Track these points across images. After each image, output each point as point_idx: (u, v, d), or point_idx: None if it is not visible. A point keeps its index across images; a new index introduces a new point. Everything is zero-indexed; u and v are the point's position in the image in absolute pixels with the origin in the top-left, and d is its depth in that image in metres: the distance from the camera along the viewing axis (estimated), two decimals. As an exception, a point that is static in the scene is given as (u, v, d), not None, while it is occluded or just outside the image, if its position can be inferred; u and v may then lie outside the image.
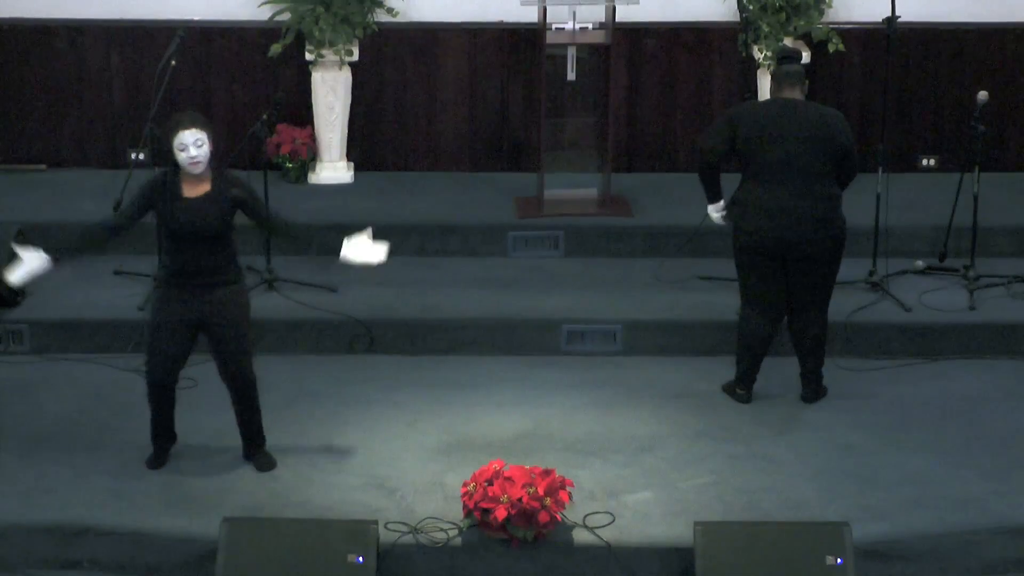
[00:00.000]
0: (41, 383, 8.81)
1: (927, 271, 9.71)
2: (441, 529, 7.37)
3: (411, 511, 7.52)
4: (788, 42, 10.34)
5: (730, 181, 8.46)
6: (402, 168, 10.95)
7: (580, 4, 10.06)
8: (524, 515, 7.20)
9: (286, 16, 10.59)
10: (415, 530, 7.36)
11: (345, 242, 7.73)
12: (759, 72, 10.57)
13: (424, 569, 7.31)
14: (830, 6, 10.61)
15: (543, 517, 7.20)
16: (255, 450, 7.94)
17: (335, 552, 7.16)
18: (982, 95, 9.31)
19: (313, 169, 10.72)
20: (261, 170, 9.39)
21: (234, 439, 8.04)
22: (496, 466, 7.31)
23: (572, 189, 10.38)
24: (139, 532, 7.41)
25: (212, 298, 7.59)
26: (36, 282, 9.37)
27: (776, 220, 8.22)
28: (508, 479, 7.23)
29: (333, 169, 10.74)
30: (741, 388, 8.62)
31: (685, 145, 10.91)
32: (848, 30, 10.70)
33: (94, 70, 10.80)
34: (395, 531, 7.33)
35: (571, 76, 10.24)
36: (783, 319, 8.52)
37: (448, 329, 9.21)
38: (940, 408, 8.57)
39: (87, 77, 10.80)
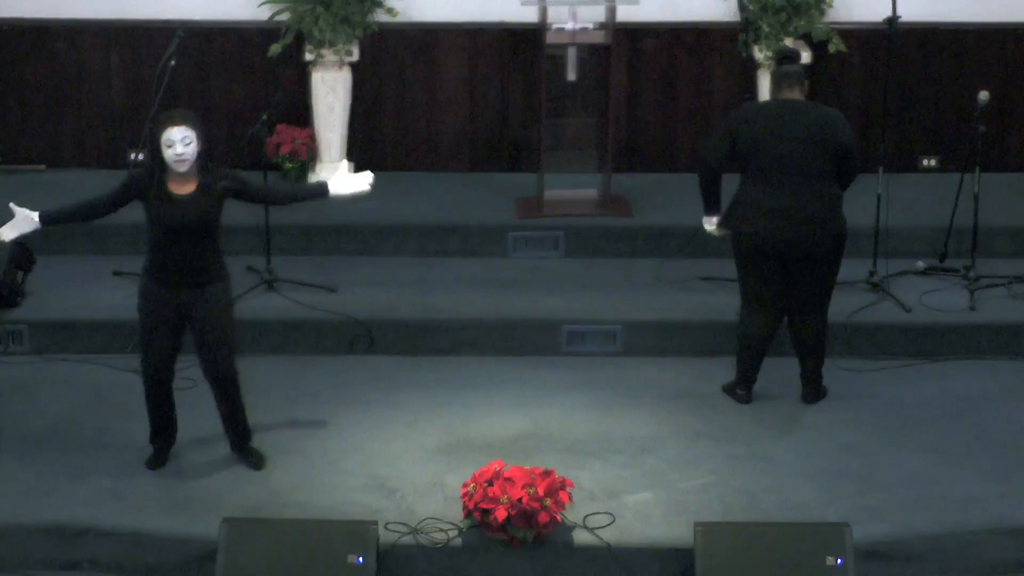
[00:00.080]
0: (41, 383, 8.81)
1: (927, 271, 9.71)
2: (441, 530, 7.37)
3: (411, 512, 7.52)
4: (788, 42, 10.34)
5: (730, 182, 8.46)
6: (402, 168, 10.94)
7: (580, 4, 10.05)
8: (524, 516, 7.20)
9: (286, 16, 10.59)
10: (415, 531, 7.36)
11: (330, 180, 7.72)
12: (759, 72, 10.56)
13: (424, 570, 7.31)
14: (831, 6, 10.61)
15: (543, 518, 7.20)
16: (242, 445, 7.93)
17: (335, 552, 7.16)
18: (982, 95, 9.31)
19: (313, 169, 10.72)
20: (261, 170, 9.39)
21: (234, 439, 8.06)
22: (496, 467, 7.31)
23: (572, 189, 10.38)
24: (139, 532, 7.41)
25: (197, 295, 7.60)
26: (36, 282, 9.42)
27: (776, 220, 8.22)
28: (508, 480, 7.22)
29: (333, 169, 10.71)
30: (741, 389, 8.62)
31: (685, 145, 10.91)
32: (848, 30, 10.69)
33: (94, 70, 10.79)
34: (395, 532, 7.33)
35: (571, 76, 10.24)
36: (783, 319, 8.51)
37: (448, 329, 9.21)
38: (940, 408, 8.57)
39: (87, 77, 10.80)
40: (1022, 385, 8.82)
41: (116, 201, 7.62)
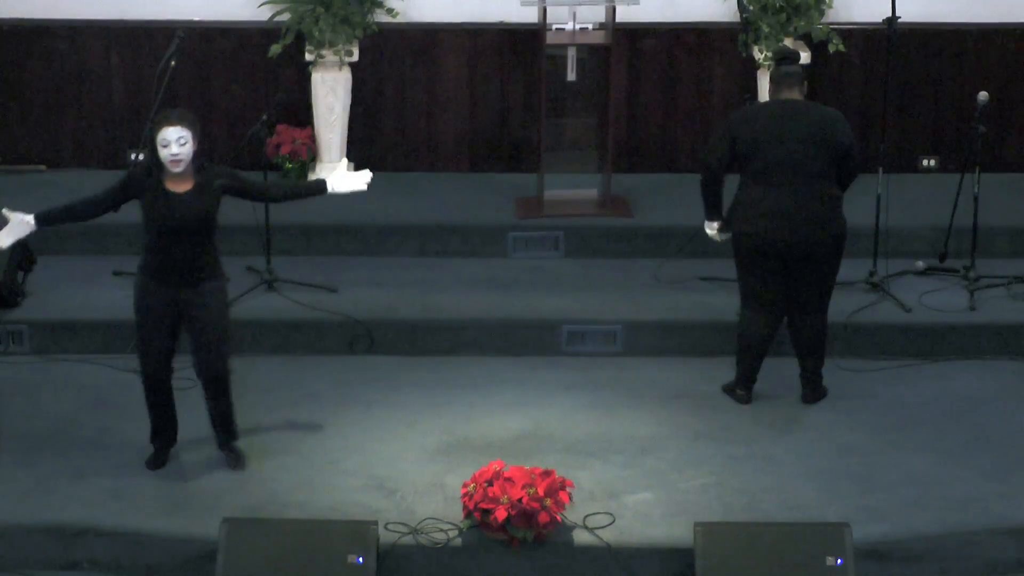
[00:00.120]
0: (41, 383, 8.81)
1: (927, 272, 9.71)
2: (441, 530, 7.37)
3: (411, 512, 7.51)
4: (788, 42, 10.34)
5: (731, 182, 8.46)
6: (402, 168, 10.94)
7: (580, 4, 10.06)
8: (524, 516, 7.20)
9: (286, 16, 10.59)
10: (415, 531, 7.36)
11: (328, 178, 7.74)
12: (759, 72, 10.56)
13: (424, 570, 7.31)
14: (830, 6, 10.61)
15: (543, 518, 7.20)
16: (229, 443, 7.93)
17: (335, 553, 7.16)
18: (982, 95, 9.31)
19: (313, 170, 10.71)
20: (261, 171, 9.39)
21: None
22: (496, 467, 7.31)
23: (572, 189, 10.38)
24: (139, 532, 7.41)
25: (193, 292, 7.60)
26: (36, 282, 9.42)
27: (776, 221, 8.22)
28: (508, 480, 7.22)
29: (333, 170, 10.69)
30: (741, 389, 8.62)
31: (685, 145, 10.90)
32: (848, 30, 10.69)
33: (94, 70, 10.79)
34: (395, 532, 7.33)
35: (571, 76, 10.24)
36: (783, 319, 8.51)
37: (448, 330, 9.20)
38: (940, 408, 8.57)
39: (87, 77, 10.80)
40: (1022, 385, 8.82)
41: (114, 199, 7.62)
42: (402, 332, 9.20)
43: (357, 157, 10.82)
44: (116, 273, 9.64)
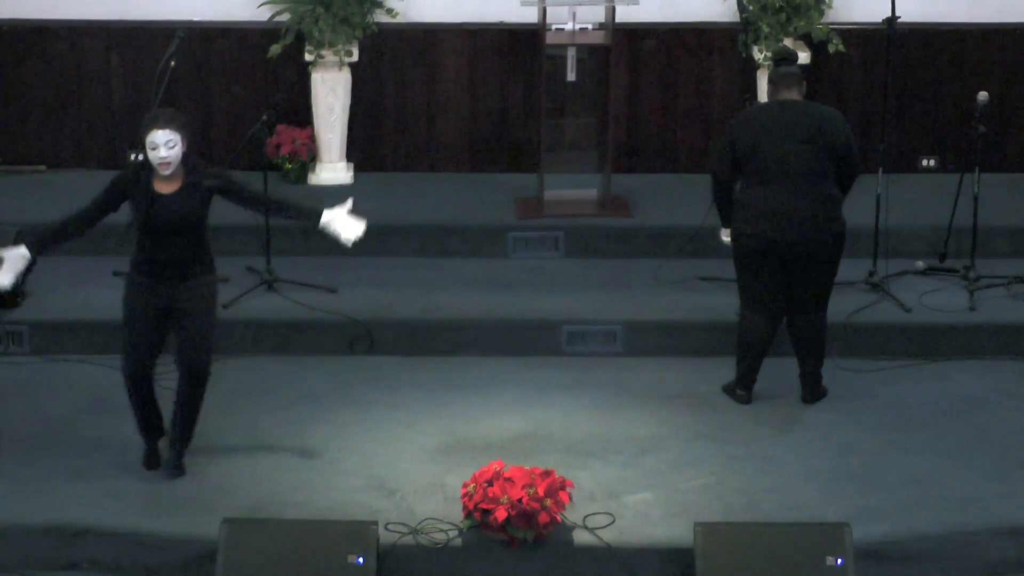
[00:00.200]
0: (41, 384, 8.81)
1: (927, 272, 9.71)
2: (441, 530, 7.37)
3: (411, 512, 7.51)
4: (788, 42, 10.34)
5: (732, 183, 8.48)
6: (402, 169, 10.94)
7: (580, 4, 10.06)
8: (524, 516, 7.20)
9: (286, 16, 10.59)
10: (415, 531, 7.36)
11: (326, 211, 7.64)
12: (759, 73, 10.56)
13: (424, 570, 7.31)
14: (830, 6, 10.61)
15: (543, 518, 7.20)
16: (178, 447, 7.79)
17: (335, 553, 7.16)
18: (982, 95, 9.31)
19: (313, 170, 10.72)
20: (261, 171, 9.39)
21: (234, 439, 8.06)
22: (496, 467, 7.31)
23: (572, 190, 10.38)
24: (139, 532, 7.41)
25: (182, 286, 7.57)
26: (36, 282, 9.42)
27: (776, 221, 8.22)
28: (508, 480, 7.22)
29: (333, 170, 10.74)
30: (741, 389, 8.62)
31: (685, 145, 10.91)
32: (848, 30, 10.69)
33: (94, 70, 10.80)
34: (395, 532, 7.33)
35: (571, 77, 10.24)
36: (783, 320, 8.51)
37: (448, 330, 9.20)
38: (940, 408, 8.57)
39: (87, 77, 10.80)
40: (1022, 385, 8.82)
41: (106, 205, 7.58)
42: (402, 332, 9.20)
43: (357, 158, 10.83)
44: (116, 273, 9.63)
